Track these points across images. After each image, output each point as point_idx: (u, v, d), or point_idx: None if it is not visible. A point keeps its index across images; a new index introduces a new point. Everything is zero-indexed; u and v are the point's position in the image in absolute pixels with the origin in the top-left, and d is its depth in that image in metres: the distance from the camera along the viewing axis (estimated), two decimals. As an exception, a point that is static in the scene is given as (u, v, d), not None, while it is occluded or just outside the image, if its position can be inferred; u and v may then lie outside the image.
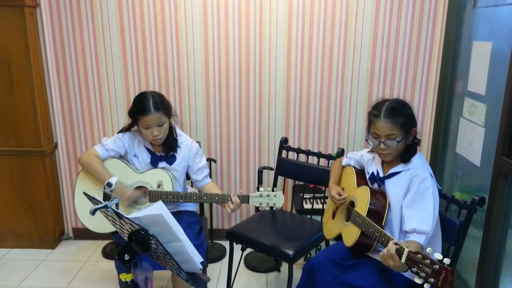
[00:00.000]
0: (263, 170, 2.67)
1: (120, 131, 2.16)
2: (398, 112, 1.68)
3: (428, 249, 1.35)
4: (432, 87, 2.82)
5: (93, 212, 1.36)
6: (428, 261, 1.32)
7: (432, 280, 1.29)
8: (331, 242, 2.19)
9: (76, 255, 2.97)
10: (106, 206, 1.34)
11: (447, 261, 1.29)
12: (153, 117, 1.97)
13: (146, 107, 1.97)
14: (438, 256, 1.31)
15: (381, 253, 1.50)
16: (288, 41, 2.77)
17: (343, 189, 1.99)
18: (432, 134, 2.88)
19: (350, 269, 1.74)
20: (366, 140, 1.78)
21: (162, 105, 2.02)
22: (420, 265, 1.34)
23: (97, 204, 1.38)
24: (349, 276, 1.70)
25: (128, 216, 1.32)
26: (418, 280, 1.34)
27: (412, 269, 1.36)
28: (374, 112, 1.72)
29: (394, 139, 1.68)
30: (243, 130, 2.95)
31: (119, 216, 1.35)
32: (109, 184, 2.00)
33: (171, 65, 2.83)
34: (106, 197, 2.05)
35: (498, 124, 2.07)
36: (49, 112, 2.92)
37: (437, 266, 1.29)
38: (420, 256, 1.35)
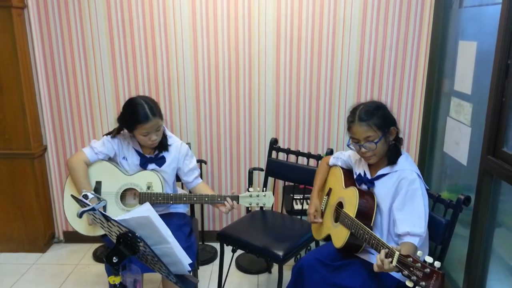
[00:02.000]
0: (254, 171, 2.68)
1: (109, 133, 2.15)
2: (371, 114, 1.71)
3: (419, 252, 1.36)
4: (420, 87, 2.85)
5: (80, 215, 1.36)
6: (419, 264, 1.32)
7: (423, 283, 1.29)
8: (321, 243, 2.20)
9: (67, 259, 2.95)
10: (93, 209, 1.34)
11: (438, 264, 1.29)
12: (152, 123, 1.97)
13: (144, 115, 1.95)
14: (428, 259, 1.31)
15: (374, 265, 1.51)
16: (277, 43, 2.78)
17: (329, 191, 2.01)
18: (420, 133, 2.91)
19: (339, 269, 1.75)
20: (348, 145, 1.80)
21: (157, 109, 2.01)
22: (411, 268, 1.34)
23: (85, 207, 1.38)
24: (338, 276, 1.71)
25: (115, 219, 1.32)
26: (409, 283, 1.33)
27: (403, 273, 1.36)
28: (350, 118, 1.76)
29: (372, 140, 1.70)
30: (233, 132, 2.96)
31: (107, 218, 1.35)
32: (85, 196, 1.99)
33: (160, 67, 2.83)
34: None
35: (484, 123, 2.10)
36: (38, 115, 2.91)
37: (428, 270, 1.29)
38: (411, 259, 1.35)
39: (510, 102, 1.94)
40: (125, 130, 2.09)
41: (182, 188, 2.55)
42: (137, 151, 2.13)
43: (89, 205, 1.38)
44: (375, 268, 1.48)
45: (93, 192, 1.98)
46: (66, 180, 2.13)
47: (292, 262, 2.59)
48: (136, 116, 1.96)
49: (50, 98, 2.90)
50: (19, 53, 2.67)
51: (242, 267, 2.81)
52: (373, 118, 1.70)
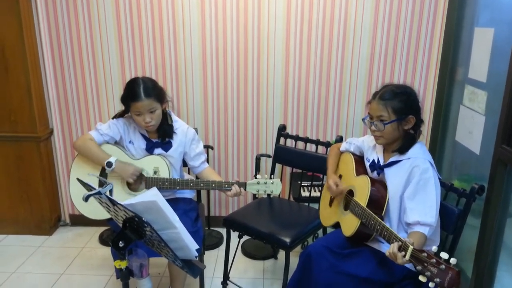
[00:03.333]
0: (261, 158, 2.65)
1: (114, 117, 2.13)
2: (393, 96, 1.67)
3: (434, 248, 1.32)
4: (433, 74, 2.78)
5: (86, 199, 1.34)
6: (434, 260, 1.28)
7: (438, 280, 1.25)
8: (329, 230, 2.18)
9: (72, 242, 2.96)
10: (99, 193, 1.32)
11: (453, 261, 1.25)
12: (144, 103, 1.94)
13: (137, 94, 1.93)
14: (444, 255, 1.27)
15: (386, 254, 1.48)
16: (287, 27, 2.72)
17: (340, 178, 1.97)
18: (432, 122, 2.85)
19: (347, 257, 1.72)
20: (363, 119, 1.78)
21: (154, 91, 1.98)
22: (425, 264, 1.30)
23: (91, 190, 1.36)
24: (346, 264, 1.69)
25: (122, 203, 1.30)
26: (422, 279, 1.30)
27: (417, 267, 1.33)
28: (374, 93, 1.74)
29: (383, 121, 1.67)
30: (240, 117, 2.92)
31: (113, 202, 1.33)
32: (109, 164, 1.98)
33: (168, 51, 2.79)
34: (101, 183, 2.03)
35: (498, 112, 2.04)
36: (44, 97, 2.88)
37: (443, 266, 1.25)
38: (426, 254, 1.31)
39: (528, 90, 1.88)
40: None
41: (189, 173, 2.53)
42: (143, 136, 2.10)
43: (95, 188, 1.35)
44: (387, 254, 1.46)
45: (114, 157, 1.98)
46: (72, 163, 2.11)
47: (298, 249, 2.58)
48: (129, 93, 1.96)
49: (56, 81, 2.87)
50: (25, 35, 2.63)
51: (248, 252, 2.81)
52: (393, 100, 1.66)
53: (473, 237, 2.26)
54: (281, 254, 2.79)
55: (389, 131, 1.68)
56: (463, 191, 1.72)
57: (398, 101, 1.67)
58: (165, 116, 2.08)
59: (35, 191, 2.93)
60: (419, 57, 2.76)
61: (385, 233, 1.53)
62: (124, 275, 1.45)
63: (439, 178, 1.70)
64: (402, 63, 2.77)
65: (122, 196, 2.05)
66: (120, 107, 2.10)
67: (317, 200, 2.52)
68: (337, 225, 1.89)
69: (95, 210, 2.01)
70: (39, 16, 2.70)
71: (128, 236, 1.37)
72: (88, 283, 2.51)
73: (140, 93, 1.93)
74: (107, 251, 2.82)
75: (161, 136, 2.09)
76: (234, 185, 1.98)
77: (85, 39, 2.78)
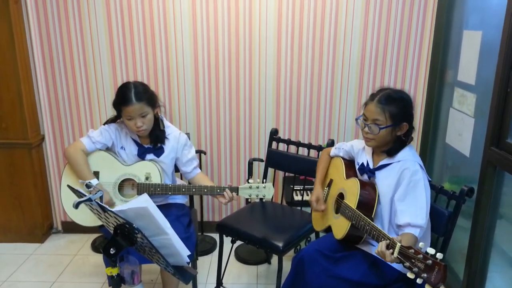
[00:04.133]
0: (253, 162, 2.66)
1: (106, 123, 2.12)
2: (391, 102, 1.68)
3: (421, 244, 1.33)
4: (423, 77, 2.81)
5: (76, 205, 1.33)
6: (421, 256, 1.29)
7: (425, 275, 1.26)
8: (321, 234, 2.18)
9: (65, 249, 2.94)
10: (89, 199, 1.32)
11: (440, 256, 1.26)
12: (135, 107, 1.93)
13: (128, 98, 1.93)
14: (430, 250, 1.29)
15: (375, 252, 1.49)
16: (278, 32, 2.73)
17: (330, 182, 1.98)
18: (422, 124, 2.88)
19: (340, 261, 1.73)
20: (356, 119, 1.79)
21: (145, 95, 1.97)
22: (413, 260, 1.31)
23: (81, 197, 1.36)
24: (339, 268, 1.69)
25: (113, 209, 1.29)
26: (410, 275, 1.31)
27: (405, 264, 1.34)
28: (371, 96, 1.74)
29: (378, 125, 1.67)
30: (233, 122, 2.93)
31: (104, 209, 1.32)
32: (88, 186, 1.97)
33: (159, 56, 2.79)
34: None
35: (487, 114, 2.07)
36: (35, 104, 2.87)
37: (430, 261, 1.26)
38: (413, 251, 1.32)
39: (515, 92, 1.90)
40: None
41: (181, 178, 2.53)
42: (135, 141, 2.10)
43: (85, 195, 1.35)
44: (376, 253, 1.47)
45: (96, 180, 1.97)
46: (63, 170, 2.10)
47: (291, 253, 2.58)
48: (120, 97, 1.96)
49: (48, 87, 2.86)
50: (16, 41, 2.62)
51: (242, 258, 2.80)
52: (391, 106, 1.67)
53: (464, 239, 2.27)
54: (274, 258, 2.79)
55: (383, 135, 1.69)
56: (453, 193, 1.73)
57: (395, 107, 1.67)
58: (157, 121, 2.08)
59: (27, 198, 2.91)
60: (409, 61, 2.78)
61: (374, 233, 1.54)
62: (116, 282, 1.44)
63: (429, 181, 1.71)
64: (392, 66, 2.79)
65: (114, 203, 2.04)
66: (112, 113, 2.10)
67: (309, 204, 2.52)
68: (329, 230, 1.90)
69: (86, 217, 2.00)
70: (30, 21, 2.69)
71: (119, 243, 1.36)
72: (81, 290, 2.50)
73: (131, 97, 1.93)
74: (99, 258, 2.81)
75: (153, 142, 2.08)
76: (226, 191, 1.98)
77: (76, 45, 2.77)
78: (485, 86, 2.15)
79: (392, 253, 1.39)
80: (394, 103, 1.68)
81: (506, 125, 1.95)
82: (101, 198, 1.36)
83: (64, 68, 2.82)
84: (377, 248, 1.47)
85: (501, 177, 2.03)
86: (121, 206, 1.34)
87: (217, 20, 2.71)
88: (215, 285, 2.38)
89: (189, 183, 2.23)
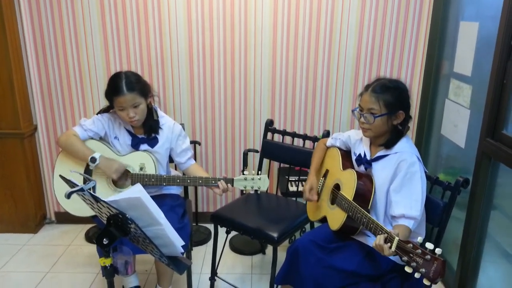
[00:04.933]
0: (248, 153, 2.64)
1: (99, 112, 2.10)
2: (385, 90, 1.67)
3: (419, 238, 1.33)
4: (419, 69, 2.80)
5: (68, 196, 1.31)
6: (420, 250, 1.29)
7: (423, 270, 1.26)
8: (316, 224, 2.18)
9: (58, 239, 2.92)
10: (82, 189, 1.30)
11: (438, 251, 1.26)
12: (127, 98, 1.91)
13: (119, 88, 1.90)
14: (429, 245, 1.29)
15: (372, 245, 1.49)
16: (274, 23, 2.70)
17: (326, 172, 1.98)
18: (418, 115, 2.87)
19: (335, 251, 1.73)
20: (353, 111, 1.78)
21: (137, 85, 1.94)
22: (411, 255, 1.31)
23: (73, 187, 1.34)
24: (333, 258, 1.69)
25: (105, 200, 1.28)
26: (408, 269, 1.31)
27: (403, 258, 1.34)
28: (366, 86, 1.73)
29: (373, 114, 1.66)
30: (228, 112, 2.90)
31: (96, 199, 1.31)
32: (93, 159, 1.95)
33: (153, 45, 2.75)
34: (85, 180, 2.00)
35: (483, 105, 2.06)
36: (27, 93, 2.83)
37: (428, 257, 1.26)
38: (411, 245, 1.32)
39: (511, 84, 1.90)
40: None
41: (176, 169, 2.51)
42: (128, 131, 2.07)
43: (77, 185, 1.33)
44: (373, 246, 1.47)
45: (98, 153, 1.95)
46: (56, 160, 2.07)
47: (286, 244, 2.58)
48: (112, 87, 1.93)
49: (40, 76, 2.82)
50: (7, 29, 2.57)
51: (236, 248, 2.80)
52: (385, 94, 1.66)
53: (458, 230, 2.28)
54: (269, 249, 2.79)
55: (378, 125, 1.69)
56: (448, 184, 1.73)
57: (390, 95, 1.66)
58: (151, 112, 2.06)
59: (20, 188, 2.88)
60: (405, 52, 2.77)
61: (371, 225, 1.53)
62: (109, 272, 1.43)
63: (425, 172, 1.71)
64: (389, 57, 2.78)
65: (107, 193, 2.02)
66: (105, 103, 2.07)
67: (302, 193, 2.52)
68: (324, 220, 1.90)
69: (79, 207, 1.99)
70: (22, 9, 2.64)
71: (112, 233, 1.35)
72: (74, 281, 2.48)
73: (122, 87, 1.90)
74: (93, 248, 2.79)
75: (147, 132, 2.06)
76: (221, 182, 1.97)
77: (69, 33, 2.73)
78: (481, 77, 2.14)
79: (390, 247, 1.39)
80: (389, 92, 1.67)
81: (502, 117, 1.95)
82: (93, 188, 1.34)
83: (57, 57, 2.78)
84: (375, 241, 1.46)
85: (496, 168, 2.04)
86: (114, 196, 1.32)
87: (212, 9, 2.67)
88: (209, 275, 2.38)
89: (184, 173, 2.21)
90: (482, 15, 2.24)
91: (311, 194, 1.93)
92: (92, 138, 2.06)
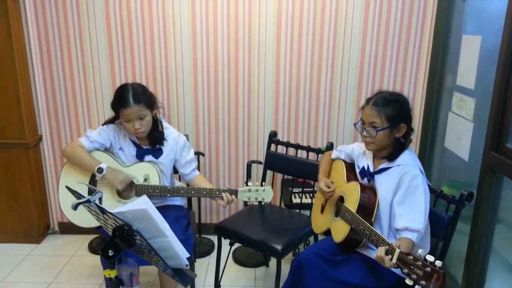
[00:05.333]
0: (252, 164, 2.65)
1: (104, 123, 2.11)
2: (387, 104, 1.68)
3: (420, 251, 1.33)
4: (422, 81, 2.81)
5: (75, 207, 1.32)
6: (420, 263, 1.29)
7: (424, 282, 1.26)
8: (320, 237, 2.18)
9: (62, 250, 2.92)
10: (88, 201, 1.31)
11: (439, 263, 1.26)
12: (133, 110, 1.92)
13: (126, 100, 1.92)
14: (430, 258, 1.29)
15: (374, 256, 1.49)
16: (278, 34, 2.73)
17: (332, 183, 1.98)
18: (421, 128, 2.88)
19: (339, 264, 1.72)
20: (355, 124, 1.79)
21: (143, 97, 1.96)
22: (412, 267, 1.31)
23: (80, 199, 1.35)
24: (338, 271, 1.69)
25: (112, 211, 1.28)
26: (409, 282, 1.31)
27: (403, 271, 1.34)
28: (368, 99, 1.74)
29: (375, 127, 1.67)
30: (231, 124, 2.92)
31: (102, 210, 1.31)
32: (100, 170, 1.96)
33: (158, 57, 2.78)
34: (91, 191, 2.01)
35: (487, 118, 2.07)
36: (33, 103, 2.85)
37: (429, 269, 1.26)
38: (412, 257, 1.32)
39: (515, 97, 1.91)
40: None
41: (180, 180, 2.51)
42: (133, 142, 2.09)
43: (84, 196, 1.34)
44: (375, 257, 1.46)
45: (104, 164, 1.96)
46: (61, 171, 2.09)
47: (290, 256, 2.58)
48: (118, 99, 1.95)
49: (46, 87, 2.85)
50: (14, 41, 2.61)
51: (240, 260, 2.79)
52: (387, 108, 1.67)
53: (463, 243, 2.27)
54: (273, 261, 2.78)
55: (381, 138, 1.69)
56: (452, 197, 1.73)
57: (391, 109, 1.68)
58: (156, 123, 2.07)
59: (24, 198, 2.89)
60: (408, 65, 2.79)
61: (373, 237, 1.53)
62: (114, 284, 1.43)
63: (428, 185, 1.71)
64: (392, 70, 2.80)
65: (112, 204, 2.03)
66: (110, 114, 2.08)
67: (308, 206, 2.52)
68: (328, 232, 1.89)
69: (84, 218, 1.99)
70: (28, 20, 2.68)
71: (117, 245, 1.36)
72: (77, 292, 2.48)
73: (129, 99, 1.92)
74: (96, 259, 2.79)
75: (151, 143, 2.08)
76: (226, 193, 1.97)
77: (74, 45, 2.76)
78: (484, 90, 2.15)
79: (391, 259, 1.39)
80: (390, 105, 1.68)
81: (506, 130, 1.95)
82: (100, 199, 1.35)
83: (62, 68, 2.81)
84: (376, 253, 1.46)
85: (500, 182, 2.03)
86: (120, 207, 1.33)
87: (216, 21, 2.71)
88: (213, 287, 2.37)
89: (188, 185, 2.22)
90: (484, 28, 2.26)
91: (329, 191, 1.86)
92: (97, 149, 2.07)
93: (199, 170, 2.74)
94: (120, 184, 1.99)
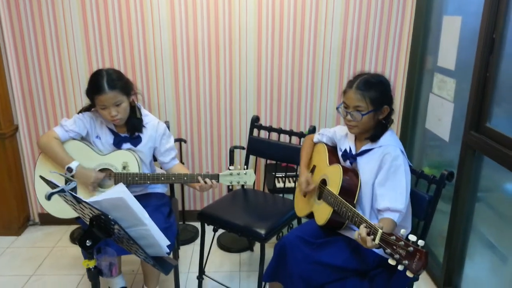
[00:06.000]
0: (235, 150, 2.62)
1: (80, 111, 2.05)
2: (370, 87, 1.66)
3: (402, 230, 1.33)
4: (403, 63, 2.81)
5: (48, 197, 1.28)
6: (402, 242, 1.29)
7: (406, 262, 1.27)
8: (303, 220, 2.18)
9: (42, 241, 2.87)
10: (62, 190, 1.27)
11: (421, 242, 1.27)
12: (108, 96, 1.87)
13: (100, 86, 1.86)
14: (412, 237, 1.29)
15: (354, 236, 1.49)
16: (259, 17, 2.68)
17: (313, 168, 1.97)
18: (402, 110, 2.89)
19: (322, 247, 1.72)
20: (337, 108, 1.76)
21: (119, 82, 1.90)
22: (394, 247, 1.31)
23: (54, 188, 1.30)
24: (321, 254, 1.69)
25: (87, 200, 1.25)
26: (391, 262, 1.31)
27: (386, 251, 1.34)
28: (349, 83, 1.72)
29: (360, 111, 1.66)
30: (213, 109, 2.88)
31: (78, 200, 1.28)
32: (70, 169, 1.91)
33: (136, 41, 2.71)
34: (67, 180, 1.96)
35: (467, 99, 2.08)
36: (7, 92, 2.76)
37: (411, 248, 1.26)
38: (394, 237, 1.32)
39: (494, 77, 1.91)
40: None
41: (161, 168, 2.47)
42: (111, 130, 2.03)
43: (58, 186, 1.30)
44: (355, 237, 1.46)
45: (76, 162, 1.91)
46: (37, 161, 2.03)
47: (274, 240, 2.58)
48: (93, 86, 1.89)
49: (20, 75, 2.75)
50: (-17, 27, 2.51)
51: (224, 246, 2.79)
52: (371, 91, 1.66)
53: (443, 222, 2.31)
54: (257, 246, 2.78)
55: (365, 121, 1.68)
56: (433, 177, 1.74)
57: (374, 91, 1.66)
58: (134, 110, 2.02)
59: (1, 190, 2.81)
60: (390, 46, 2.77)
61: (356, 219, 1.53)
62: (93, 274, 1.40)
63: (409, 166, 1.71)
64: (373, 52, 2.78)
65: (90, 193, 1.99)
66: (87, 101, 2.02)
67: (291, 191, 2.51)
68: (311, 216, 1.89)
69: (62, 208, 1.95)
70: (0, 5, 2.58)
71: (95, 235, 1.32)
72: (60, 283, 2.44)
73: (103, 85, 1.86)
74: (78, 250, 2.74)
75: (129, 131, 2.03)
76: (206, 179, 1.94)
77: (49, 31, 2.67)
78: (465, 71, 2.16)
79: (374, 239, 1.39)
80: (373, 88, 1.66)
81: (485, 110, 1.96)
82: (74, 188, 1.31)
83: (37, 55, 2.71)
84: (357, 232, 1.45)
85: (480, 161, 2.06)
86: (96, 196, 1.29)
87: (195, 4, 2.64)
88: (197, 274, 2.36)
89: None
90: (465, 9, 2.25)
91: (308, 187, 1.88)
92: (73, 139, 2.01)
93: (181, 157, 2.70)
94: (91, 185, 1.95)
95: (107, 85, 1.86)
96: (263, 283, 2.11)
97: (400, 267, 1.29)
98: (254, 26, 2.70)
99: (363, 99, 1.65)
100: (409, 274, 1.27)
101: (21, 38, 2.68)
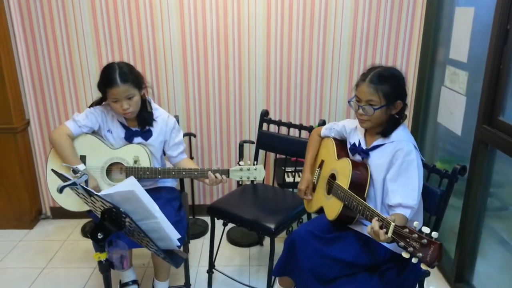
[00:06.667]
0: (244, 144, 2.62)
1: (91, 105, 2.06)
2: (384, 80, 1.63)
3: (415, 223, 1.31)
4: (414, 55, 2.78)
5: (60, 190, 1.29)
6: (416, 235, 1.28)
7: (420, 254, 1.25)
8: (313, 215, 2.17)
9: (54, 235, 2.90)
10: (74, 183, 1.28)
11: (435, 234, 1.25)
12: (120, 89, 1.87)
13: (113, 79, 1.87)
14: (425, 229, 1.27)
15: (367, 230, 1.48)
16: (268, 11, 2.67)
17: (322, 163, 1.96)
18: (414, 103, 2.85)
19: (332, 241, 1.72)
20: (349, 102, 1.74)
21: (131, 76, 1.91)
22: (408, 240, 1.30)
23: (66, 181, 1.31)
24: (331, 248, 1.68)
25: (99, 193, 1.26)
26: (405, 255, 1.30)
27: (399, 244, 1.32)
28: (362, 76, 1.69)
29: (372, 106, 1.64)
30: (223, 103, 2.88)
31: (90, 193, 1.28)
32: (75, 172, 1.92)
33: (145, 36, 2.71)
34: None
35: (479, 92, 2.05)
36: (19, 87, 2.78)
37: (425, 241, 1.25)
38: (407, 230, 1.31)
39: (508, 69, 1.88)
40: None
41: (169, 162, 2.48)
42: (122, 124, 2.04)
43: (70, 179, 1.31)
44: (368, 232, 1.45)
45: (82, 165, 1.92)
46: (49, 154, 2.05)
47: (283, 235, 2.58)
48: (105, 79, 1.90)
49: (31, 70, 2.78)
50: (-5, 22, 2.53)
51: (234, 240, 2.79)
52: (384, 85, 1.63)
53: (455, 218, 2.28)
54: (267, 240, 2.78)
55: (378, 116, 1.66)
56: (445, 172, 1.72)
57: (388, 86, 1.63)
58: (144, 103, 2.03)
59: (14, 184, 2.85)
60: (401, 39, 2.74)
61: (367, 212, 1.52)
62: (104, 267, 1.42)
63: (422, 160, 1.69)
64: (384, 44, 2.75)
65: (101, 186, 2.00)
66: (98, 95, 2.03)
67: (298, 191, 2.50)
68: (321, 211, 1.88)
69: (73, 202, 1.97)
70: (10, 1, 2.58)
71: (107, 228, 1.33)
72: (71, 276, 2.47)
73: (116, 78, 1.87)
74: (90, 243, 2.77)
75: (140, 124, 2.03)
76: (216, 174, 1.94)
77: (59, 25, 2.68)
78: (477, 63, 2.12)
79: (386, 233, 1.37)
80: (386, 82, 1.64)
81: (498, 103, 1.93)
82: (86, 182, 1.32)
83: (48, 49, 2.73)
84: (369, 226, 1.44)
85: (493, 155, 2.03)
86: (107, 190, 1.30)
87: (204, -2, 2.63)
88: (207, 268, 2.37)
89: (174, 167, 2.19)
90: (477, 0, 2.21)
91: (306, 195, 1.96)
92: (85, 133, 2.03)
93: (190, 151, 2.70)
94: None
95: (119, 78, 1.87)
96: (273, 277, 2.12)
97: (414, 260, 1.28)
98: (263, 19, 2.68)
99: (375, 93, 1.63)
100: (423, 266, 1.26)
101: (31, 33, 2.69)
